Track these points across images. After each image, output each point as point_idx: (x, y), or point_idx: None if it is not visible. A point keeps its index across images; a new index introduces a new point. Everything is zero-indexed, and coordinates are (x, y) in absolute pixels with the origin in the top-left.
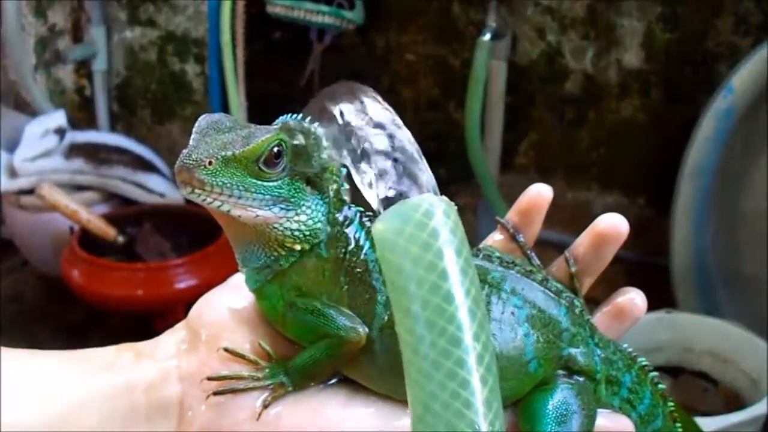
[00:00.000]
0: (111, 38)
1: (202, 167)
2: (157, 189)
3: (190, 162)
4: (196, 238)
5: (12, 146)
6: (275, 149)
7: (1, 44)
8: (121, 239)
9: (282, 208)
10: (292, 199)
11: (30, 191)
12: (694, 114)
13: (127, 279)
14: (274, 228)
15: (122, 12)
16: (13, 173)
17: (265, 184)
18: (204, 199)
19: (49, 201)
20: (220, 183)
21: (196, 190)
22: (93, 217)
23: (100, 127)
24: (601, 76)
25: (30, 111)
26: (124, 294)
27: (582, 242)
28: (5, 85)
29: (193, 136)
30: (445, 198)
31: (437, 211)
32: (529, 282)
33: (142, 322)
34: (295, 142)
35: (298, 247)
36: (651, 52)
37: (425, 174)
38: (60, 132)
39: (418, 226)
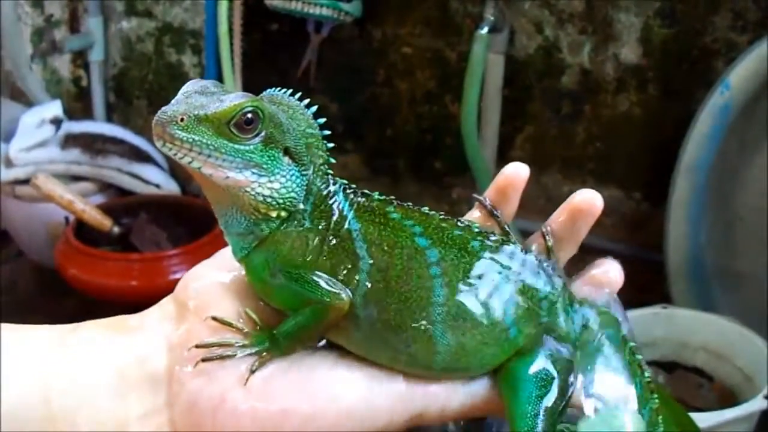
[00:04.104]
0: (108, 29)
1: (175, 123)
2: (153, 179)
3: (165, 117)
4: (191, 228)
5: (8, 136)
6: (248, 114)
7: None
8: (116, 230)
9: (254, 173)
10: (265, 166)
11: (25, 181)
12: (690, 110)
13: (122, 269)
14: (246, 192)
15: (119, 2)
16: (8, 163)
17: (237, 146)
18: (175, 154)
19: (45, 191)
20: (190, 139)
21: (167, 144)
22: (88, 207)
23: (96, 117)
24: (598, 71)
25: (26, 101)
26: (119, 284)
27: (558, 216)
28: (1, 74)
29: (177, 96)
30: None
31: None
32: (510, 251)
33: (137, 312)
34: (275, 111)
35: (273, 214)
36: (648, 48)
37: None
38: (56, 122)
39: None
